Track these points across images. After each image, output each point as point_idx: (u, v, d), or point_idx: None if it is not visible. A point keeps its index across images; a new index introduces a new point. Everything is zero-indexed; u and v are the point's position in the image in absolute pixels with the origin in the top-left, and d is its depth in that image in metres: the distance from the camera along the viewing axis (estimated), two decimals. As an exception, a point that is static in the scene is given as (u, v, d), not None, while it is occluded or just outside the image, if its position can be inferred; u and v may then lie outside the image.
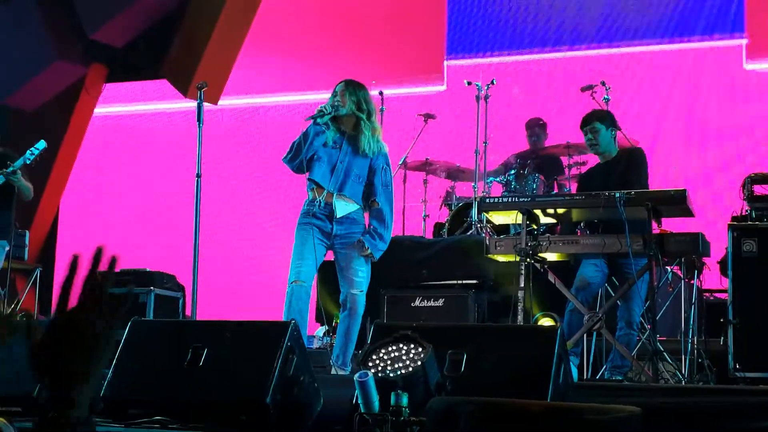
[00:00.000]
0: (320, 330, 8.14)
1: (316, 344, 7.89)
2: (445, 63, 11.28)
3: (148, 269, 8.67)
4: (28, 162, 7.45)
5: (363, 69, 11.00)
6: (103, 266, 1.63)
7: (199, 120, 6.83)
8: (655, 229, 6.22)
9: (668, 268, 6.98)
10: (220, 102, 11.60)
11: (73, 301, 1.58)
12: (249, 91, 11.99)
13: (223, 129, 11.58)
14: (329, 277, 8.85)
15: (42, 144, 7.60)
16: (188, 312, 8.08)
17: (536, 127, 9.50)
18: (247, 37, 11.85)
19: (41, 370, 1.54)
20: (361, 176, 6.13)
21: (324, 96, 6.38)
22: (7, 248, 7.56)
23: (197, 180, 6.75)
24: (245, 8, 11.81)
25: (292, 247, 6.18)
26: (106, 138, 12.18)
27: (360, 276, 6.14)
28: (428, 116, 9.72)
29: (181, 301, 8.57)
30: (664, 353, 6.20)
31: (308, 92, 11.29)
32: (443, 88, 11.27)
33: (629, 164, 6.72)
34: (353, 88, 6.21)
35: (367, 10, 11.66)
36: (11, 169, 7.31)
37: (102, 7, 11.52)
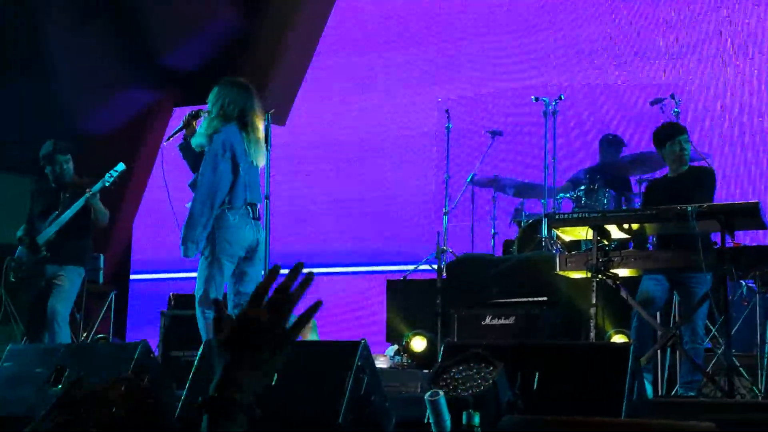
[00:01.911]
0: (391, 349, 8.14)
1: (387, 364, 7.89)
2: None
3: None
4: (107, 185, 7.54)
5: (429, 80, 11.04)
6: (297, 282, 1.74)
7: (267, 142, 6.89)
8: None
9: (742, 282, 6.86)
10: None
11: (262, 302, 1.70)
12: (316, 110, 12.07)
13: (291, 148, 11.66)
14: (398, 295, 8.88)
15: (121, 166, 7.69)
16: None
17: (608, 143, 9.41)
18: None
19: (222, 352, 1.63)
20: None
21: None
22: (83, 274, 7.68)
23: (266, 201, 6.80)
24: (311, 30, 11.90)
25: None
26: (177, 160, 12.32)
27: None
28: (495, 133, 9.69)
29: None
30: (740, 368, 6.09)
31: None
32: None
33: (697, 182, 6.63)
34: (218, 88, 6.35)
35: (437, 26, 11.69)
36: (93, 191, 7.41)
37: (172, 33, 11.69)
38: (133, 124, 12.07)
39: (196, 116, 6.41)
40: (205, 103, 6.42)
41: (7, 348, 5.41)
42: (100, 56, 11.83)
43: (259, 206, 6.22)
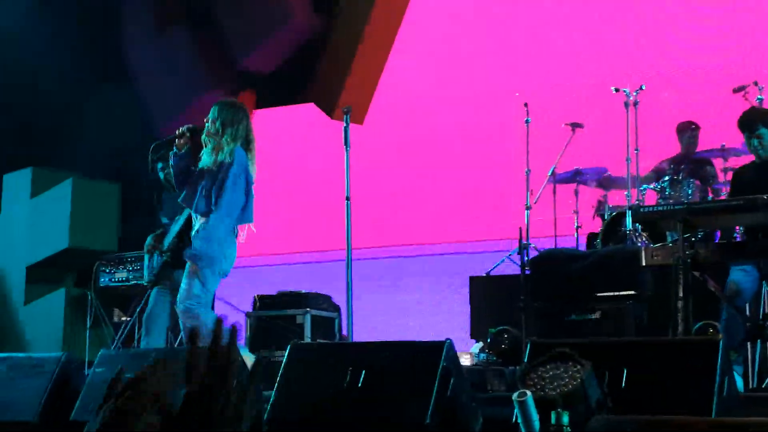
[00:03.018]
0: (476, 346, 8.13)
1: (471, 361, 7.88)
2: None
3: (303, 291, 8.82)
4: None
5: (507, 74, 11.00)
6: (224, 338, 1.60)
7: (346, 143, 6.94)
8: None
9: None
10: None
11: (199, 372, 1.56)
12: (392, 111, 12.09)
13: (369, 147, 11.69)
14: (482, 293, 8.87)
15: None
16: (344, 332, 8.20)
17: (688, 131, 9.27)
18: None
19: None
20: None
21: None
22: None
23: (347, 203, 6.84)
24: (388, 26, 11.92)
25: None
26: (257, 162, 12.45)
27: (181, 288, 6.30)
28: (576, 125, 9.60)
29: (336, 322, 8.68)
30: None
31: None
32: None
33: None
34: (218, 109, 6.49)
35: (510, 21, 11.63)
36: None
37: (250, 36, 11.82)
38: (214, 128, 12.21)
39: (193, 131, 6.54)
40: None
41: (99, 353, 5.52)
42: (180, 63, 12.01)
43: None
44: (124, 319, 10.57)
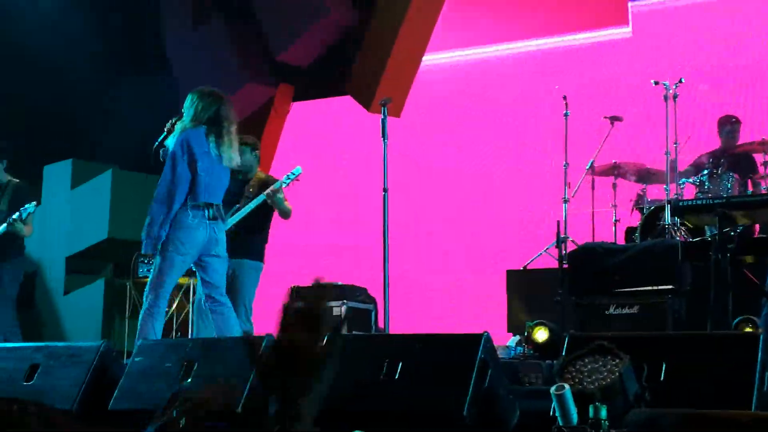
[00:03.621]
0: (513, 340, 8.11)
1: (508, 354, 7.87)
2: (630, 5, 11.12)
3: (340, 282, 8.83)
4: (284, 185, 7.66)
5: (546, 15, 10.94)
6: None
7: (383, 135, 6.93)
8: None
9: None
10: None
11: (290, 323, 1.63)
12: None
13: (405, 140, 11.69)
14: (518, 285, 8.84)
15: (298, 170, 7.79)
16: (380, 323, 8.20)
17: (729, 125, 9.19)
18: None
19: (269, 387, 1.59)
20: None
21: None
22: (261, 270, 7.76)
23: (384, 195, 6.84)
24: (425, 20, 11.89)
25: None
26: (295, 155, 12.50)
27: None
28: (615, 118, 9.53)
29: (373, 313, 8.69)
30: None
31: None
32: (628, 31, 11.06)
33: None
34: (191, 96, 6.60)
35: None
36: (274, 188, 7.51)
37: (288, 28, 11.83)
38: (252, 121, 12.25)
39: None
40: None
41: (138, 343, 5.56)
42: (218, 55, 12.05)
43: (216, 206, 6.44)
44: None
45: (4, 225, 8.27)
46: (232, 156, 6.49)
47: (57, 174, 11.50)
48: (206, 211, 6.35)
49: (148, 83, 11.73)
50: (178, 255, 6.28)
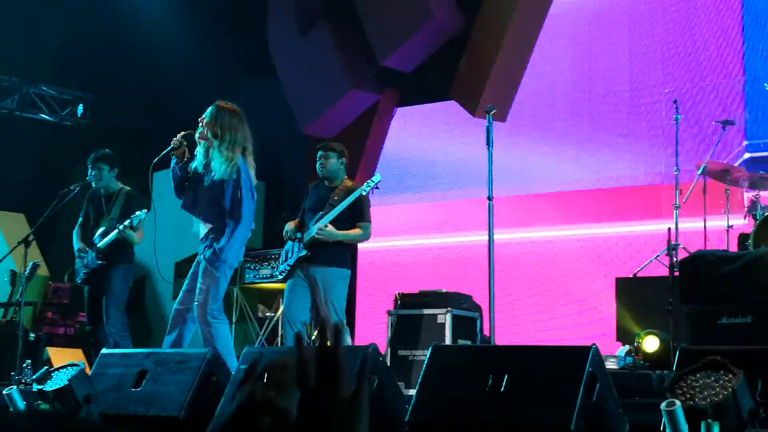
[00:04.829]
0: (622, 350, 7.94)
1: (617, 364, 7.71)
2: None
3: (444, 290, 8.79)
4: (363, 193, 7.67)
5: (655, 70, 10.74)
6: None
7: (488, 143, 6.86)
8: None
9: None
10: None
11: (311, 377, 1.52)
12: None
13: (511, 143, 11.58)
14: (628, 295, 8.66)
15: (377, 177, 7.82)
16: (485, 332, 8.12)
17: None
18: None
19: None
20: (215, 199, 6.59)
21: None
22: (347, 277, 7.80)
23: (489, 203, 6.77)
24: (530, 23, 11.77)
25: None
26: (398, 163, 12.50)
27: (198, 287, 6.57)
28: (727, 122, 9.29)
29: (478, 322, 8.61)
30: None
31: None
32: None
33: None
34: (216, 113, 6.65)
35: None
36: (355, 195, 7.58)
37: (392, 34, 11.83)
38: (357, 126, 12.30)
39: (189, 138, 6.73)
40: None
41: (243, 350, 5.59)
42: (322, 61, 12.13)
43: None
44: (268, 314, 10.75)
45: (115, 232, 8.43)
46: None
47: (166, 180, 11.69)
48: None
49: (255, 90, 11.86)
50: (231, 272, 6.80)
